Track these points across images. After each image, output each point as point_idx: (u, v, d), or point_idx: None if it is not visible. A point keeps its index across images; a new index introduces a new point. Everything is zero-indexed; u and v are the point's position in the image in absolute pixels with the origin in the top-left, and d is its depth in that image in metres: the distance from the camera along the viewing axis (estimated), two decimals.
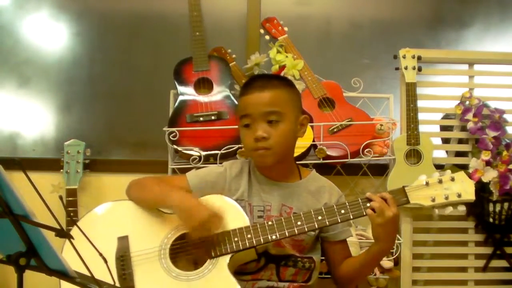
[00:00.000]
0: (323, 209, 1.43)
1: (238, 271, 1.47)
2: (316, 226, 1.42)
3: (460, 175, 1.44)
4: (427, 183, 1.43)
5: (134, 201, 1.52)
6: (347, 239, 1.59)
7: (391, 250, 1.75)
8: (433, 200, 1.42)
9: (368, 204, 1.40)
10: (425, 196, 1.42)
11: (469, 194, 1.42)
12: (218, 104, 2.16)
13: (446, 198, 1.42)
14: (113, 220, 1.50)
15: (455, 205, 1.44)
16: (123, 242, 1.44)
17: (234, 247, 1.40)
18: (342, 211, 1.42)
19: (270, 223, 1.42)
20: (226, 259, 1.40)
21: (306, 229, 1.42)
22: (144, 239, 1.44)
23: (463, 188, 1.42)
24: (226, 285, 1.38)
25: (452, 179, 1.43)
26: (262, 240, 1.40)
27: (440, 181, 1.43)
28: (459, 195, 1.41)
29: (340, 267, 1.54)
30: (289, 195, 1.54)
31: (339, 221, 1.42)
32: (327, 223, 1.42)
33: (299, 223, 1.41)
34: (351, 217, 1.42)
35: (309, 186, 1.58)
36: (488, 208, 2.18)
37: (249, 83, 1.55)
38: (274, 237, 1.41)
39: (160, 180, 1.56)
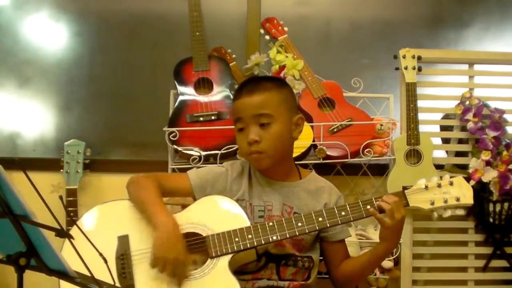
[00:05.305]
0: (323, 211, 1.44)
1: (238, 271, 1.46)
2: (317, 227, 1.43)
3: (459, 179, 1.46)
4: (426, 187, 1.44)
5: (130, 199, 1.52)
6: (347, 239, 1.60)
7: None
8: (432, 203, 1.44)
9: (368, 207, 1.42)
10: (424, 200, 1.44)
11: (468, 198, 1.44)
12: (218, 104, 2.16)
13: (445, 202, 1.43)
14: (114, 219, 1.49)
15: (453, 208, 1.45)
16: (124, 241, 1.44)
17: (235, 247, 1.40)
18: (343, 213, 1.43)
19: (270, 223, 1.42)
20: (226, 259, 1.40)
21: (307, 230, 1.42)
22: (145, 239, 1.44)
23: (462, 193, 1.44)
24: (226, 284, 1.38)
25: (451, 184, 1.45)
26: (262, 240, 1.40)
27: (439, 185, 1.44)
28: (458, 199, 1.43)
29: (339, 268, 1.55)
30: (290, 195, 1.55)
31: (340, 222, 1.43)
32: (328, 224, 1.43)
33: (299, 224, 1.42)
34: (352, 219, 1.43)
35: (309, 186, 1.58)
36: (488, 208, 2.18)
37: (239, 87, 1.57)
38: (274, 237, 1.41)
39: (160, 183, 1.52)
